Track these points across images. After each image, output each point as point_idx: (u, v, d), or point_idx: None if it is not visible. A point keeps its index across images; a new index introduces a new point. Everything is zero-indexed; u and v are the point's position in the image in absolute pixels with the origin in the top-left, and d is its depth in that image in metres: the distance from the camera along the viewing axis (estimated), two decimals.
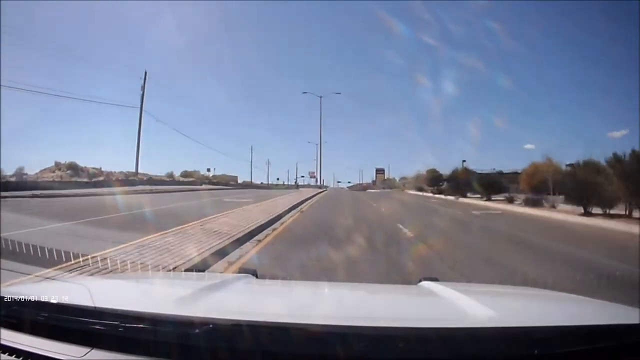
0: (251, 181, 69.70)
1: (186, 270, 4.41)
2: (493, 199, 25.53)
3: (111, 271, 4.05)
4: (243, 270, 2.27)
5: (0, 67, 19.69)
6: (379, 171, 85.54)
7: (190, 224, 8.65)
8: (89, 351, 1.05)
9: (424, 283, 1.91)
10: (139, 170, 34.82)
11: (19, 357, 1.07)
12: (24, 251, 4.42)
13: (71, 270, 4.08)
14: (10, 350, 1.08)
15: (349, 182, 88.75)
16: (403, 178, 75.30)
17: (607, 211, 13.84)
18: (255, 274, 2.12)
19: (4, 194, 13.79)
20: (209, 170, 65.64)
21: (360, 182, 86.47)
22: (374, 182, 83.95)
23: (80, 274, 3.95)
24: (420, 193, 41.17)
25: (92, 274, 3.87)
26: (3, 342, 1.09)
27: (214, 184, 54.70)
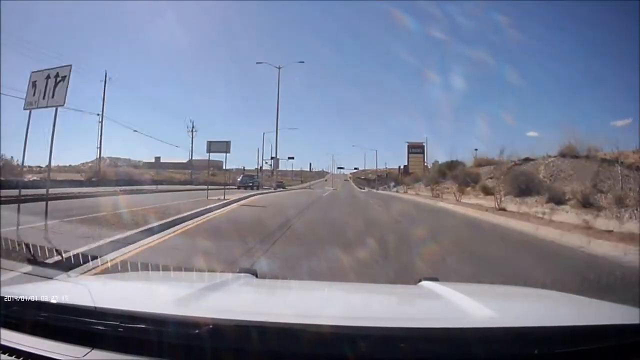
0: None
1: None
2: None
3: (111, 271, 4.04)
4: (243, 270, 2.27)
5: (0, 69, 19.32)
6: (414, 149, 49.49)
7: None
8: (89, 351, 1.05)
9: (424, 283, 1.91)
10: None
11: (19, 358, 1.07)
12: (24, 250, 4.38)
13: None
14: (10, 351, 1.08)
15: (355, 169, 63.33)
16: (519, 160, 19.54)
17: None
18: (255, 274, 2.12)
19: None
20: None
21: (364, 169, 59.91)
22: (402, 170, 50.78)
23: (82, 273, 3.95)
24: None
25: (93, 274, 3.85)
26: (3, 342, 1.09)
27: None
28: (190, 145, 48.20)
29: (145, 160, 58.52)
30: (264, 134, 45.49)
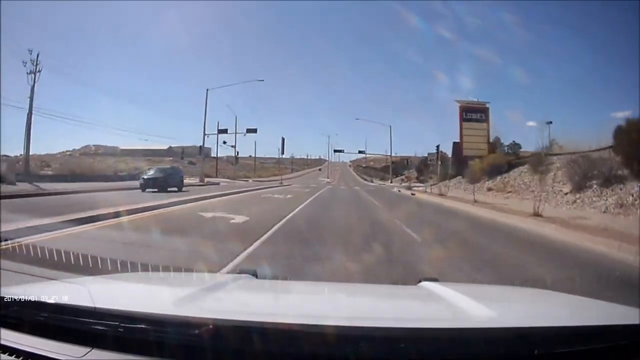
0: None
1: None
2: None
3: (111, 271, 4.04)
4: (243, 271, 2.27)
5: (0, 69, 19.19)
6: (471, 113, 25.66)
7: None
8: (89, 351, 1.05)
9: (424, 283, 1.91)
10: None
11: (19, 357, 1.07)
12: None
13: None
14: (10, 350, 1.08)
15: (360, 152, 49.07)
16: None
17: None
18: (255, 274, 2.12)
19: None
20: None
21: (364, 156, 42.20)
22: (452, 151, 27.26)
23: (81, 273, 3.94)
24: None
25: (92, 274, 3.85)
26: (3, 342, 1.09)
27: None
28: (30, 97, 22.28)
29: (132, 148, 52.95)
30: (207, 90, 30.50)
